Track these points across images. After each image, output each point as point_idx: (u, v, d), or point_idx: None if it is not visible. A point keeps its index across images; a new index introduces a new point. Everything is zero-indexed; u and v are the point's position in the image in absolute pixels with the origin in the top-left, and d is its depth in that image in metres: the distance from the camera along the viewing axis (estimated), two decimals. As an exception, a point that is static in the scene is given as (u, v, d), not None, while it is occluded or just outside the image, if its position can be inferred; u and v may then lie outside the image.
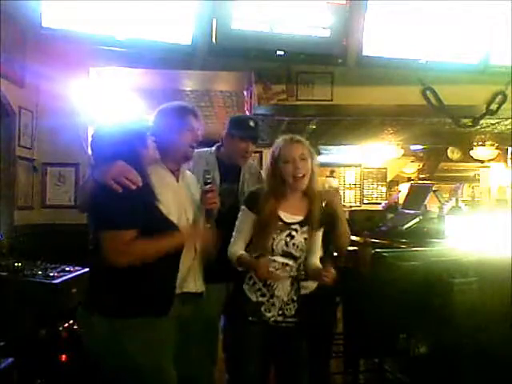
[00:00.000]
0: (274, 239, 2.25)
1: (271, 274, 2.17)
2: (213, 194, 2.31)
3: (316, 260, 2.38)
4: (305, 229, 2.30)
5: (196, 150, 2.78)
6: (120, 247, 1.80)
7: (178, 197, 2.24)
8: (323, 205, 2.38)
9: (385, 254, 2.81)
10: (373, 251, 2.83)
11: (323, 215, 2.36)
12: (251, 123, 2.75)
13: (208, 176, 2.37)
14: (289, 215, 2.29)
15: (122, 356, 1.85)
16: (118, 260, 1.81)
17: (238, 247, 2.30)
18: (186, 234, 2.06)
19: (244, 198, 2.38)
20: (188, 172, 2.49)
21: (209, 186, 2.33)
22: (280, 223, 2.27)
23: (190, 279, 2.28)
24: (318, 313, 2.58)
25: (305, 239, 2.30)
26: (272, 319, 2.27)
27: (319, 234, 2.39)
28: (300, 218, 2.31)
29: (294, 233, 2.28)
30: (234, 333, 2.33)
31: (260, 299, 2.26)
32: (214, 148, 2.81)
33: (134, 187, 1.83)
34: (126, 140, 1.92)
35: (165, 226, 1.97)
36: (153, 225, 1.90)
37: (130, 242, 1.81)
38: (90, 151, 2.04)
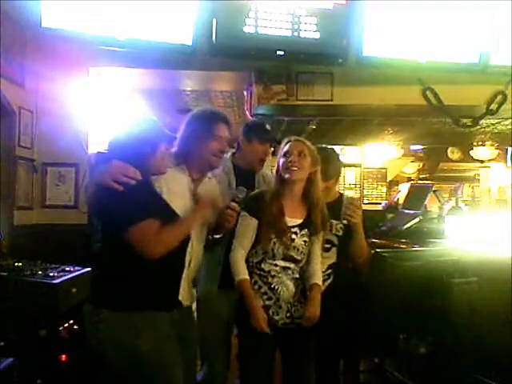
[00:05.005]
0: (274, 243, 2.25)
1: (263, 325, 2.17)
2: (233, 213, 2.23)
3: (315, 265, 2.36)
4: (304, 232, 2.30)
5: None
6: (153, 237, 1.82)
7: (189, 205, 2.15)
8: (343, 219, 2.43)
9: (385, 254, 2.81)
10: (373, 251, 2.82)
11: (344, 225, 2.43)
12: (267, 126, 2.79)
13: (239, 195, 2.28)
14: (288, 218, 2.29)
15: (135, 347, 1.87)
16: (154, 250, 1.83)
17: (239, 254, 2.27)
18: (197, 211, 2.07)
19: (244, 204, 2.30)
20: (213, 181, 2.41)
21: (235, 204, 2.24)
22: None
23: (184, 292, 2.16)
24: (329, 311, 2.54)
25: (304, 242, 2.30)
26: (281, 322, 2.27)
27: (319, 239, 2.38)
28: (299, 220, 2.31)
29: (293, 236, 2.28)
30: (245, 339, 2.32)
31: (267, 303, 2.26)
32: (229, 154, 2.79)
33: (133, 182, 1.85)
34: (135, 146, 1.94)
35: (175, 217, 2.01)
36: (165, 216, 1.93)
37: (159, 230, 1.84)
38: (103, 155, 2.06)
